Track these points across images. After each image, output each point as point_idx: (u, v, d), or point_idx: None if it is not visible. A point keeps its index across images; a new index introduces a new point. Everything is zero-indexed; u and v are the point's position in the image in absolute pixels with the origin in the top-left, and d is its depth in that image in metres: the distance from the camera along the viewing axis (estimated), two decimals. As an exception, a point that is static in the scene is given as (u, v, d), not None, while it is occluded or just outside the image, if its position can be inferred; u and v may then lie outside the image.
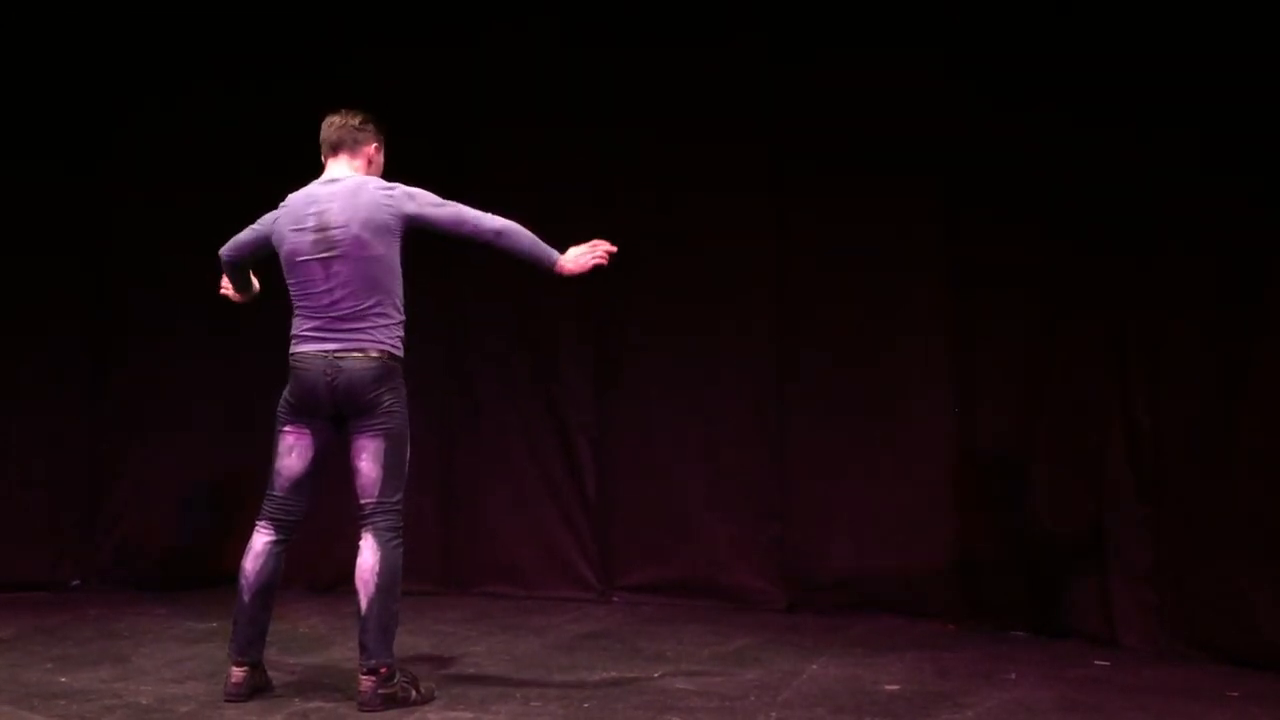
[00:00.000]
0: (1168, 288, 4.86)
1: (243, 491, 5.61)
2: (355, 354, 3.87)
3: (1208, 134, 4.70)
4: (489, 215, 3.96)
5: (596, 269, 4.04)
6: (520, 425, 6.08)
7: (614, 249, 4.03)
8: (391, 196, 3.90)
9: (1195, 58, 4.73)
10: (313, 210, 3.92)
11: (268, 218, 4.06)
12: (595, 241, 4.03)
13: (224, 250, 4.22)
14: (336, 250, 3.87)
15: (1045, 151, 5.11)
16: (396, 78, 5.86)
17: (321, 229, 3.88)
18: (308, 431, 3.97)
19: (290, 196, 4.02)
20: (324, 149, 4.06)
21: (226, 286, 4.36)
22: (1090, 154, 5.00)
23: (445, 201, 3.95)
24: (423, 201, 3.93)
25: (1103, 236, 5.00)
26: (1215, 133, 4.68)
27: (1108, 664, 4.68)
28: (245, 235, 4.15)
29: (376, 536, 3.86)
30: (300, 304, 3.97)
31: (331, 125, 4.04)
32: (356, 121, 4.04)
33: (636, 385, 5.95)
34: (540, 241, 3.98)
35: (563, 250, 4.01)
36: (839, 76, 5.56)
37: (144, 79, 6.13)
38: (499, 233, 3.94)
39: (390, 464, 3.89)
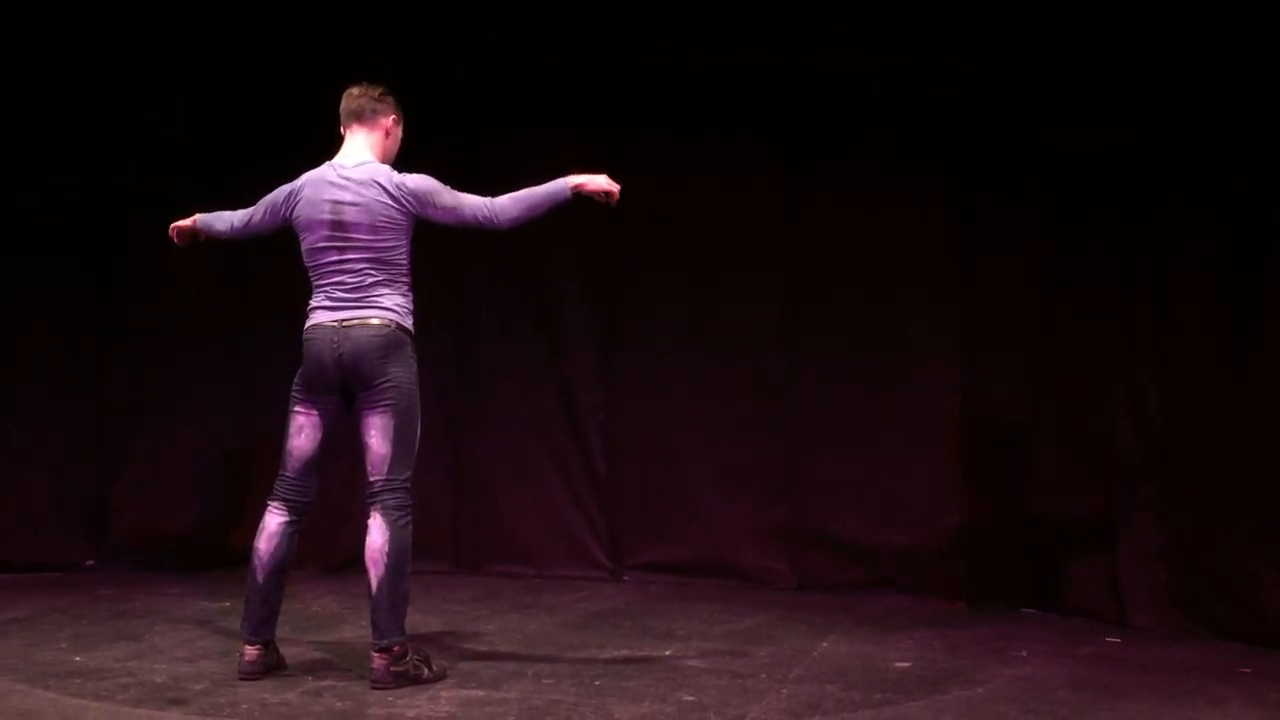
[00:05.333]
0: (1175, 266, 4.85)
1: (254, 471, 5.63)
2: (360, 321, 3.89)
3: (1215, 110, 4.69)
4: (487, 205, 3.93)
5: (606, 207, 4.07)
6: (528, 406, 6.08)
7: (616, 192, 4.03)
8: (398, 201, 3.91)
9: (1204, 35, 4.71)
10: (328, 198, 3.93)
11: (280, 198, 4.04)
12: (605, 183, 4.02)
13: (223, 227, 4.21)
14: (350, 241, 3.91)
15: (1051, 129, 5.10)
16: (409, 86, 5.85)
17: (337, 219, 3.91)
18: (318, 411, 3.98)
19: (306, 178, 4.01)
20: (342, 119, 4.07)
21: (181, 231, 4.36)
22: (1098, 131, 4.98)
23: (450, 203, 3.93)
24: (425, 203, 3.92)
25: (1109, 215, 5.00)
26: (1223, 109, 4.67)
27: (1118, 642, 4.69)
28: (255, 216, 4.12)
29: (385, 515, 3.87)
30: (316, 282, 4.00)
31: (351, 96, 4.06)
32: (376, 93, 4.05)
33: (644, 366, 5.95)
34: (541, 191, 3.96)
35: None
36: (844, 59, 5.54)
37: (156, 73, 6.09)
38: (512, 222, 3.95)
39: (399, 441, 3.89)
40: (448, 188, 3.97)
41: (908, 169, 5.45)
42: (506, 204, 3.95)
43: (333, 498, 5.17)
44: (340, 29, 6.02)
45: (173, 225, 4.38)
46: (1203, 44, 4.72)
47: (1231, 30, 4.65)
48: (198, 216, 4.33)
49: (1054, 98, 5.09)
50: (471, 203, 3.95)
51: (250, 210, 4.16)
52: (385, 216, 3.91)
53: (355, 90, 4.06)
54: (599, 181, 3.99)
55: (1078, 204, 5.08)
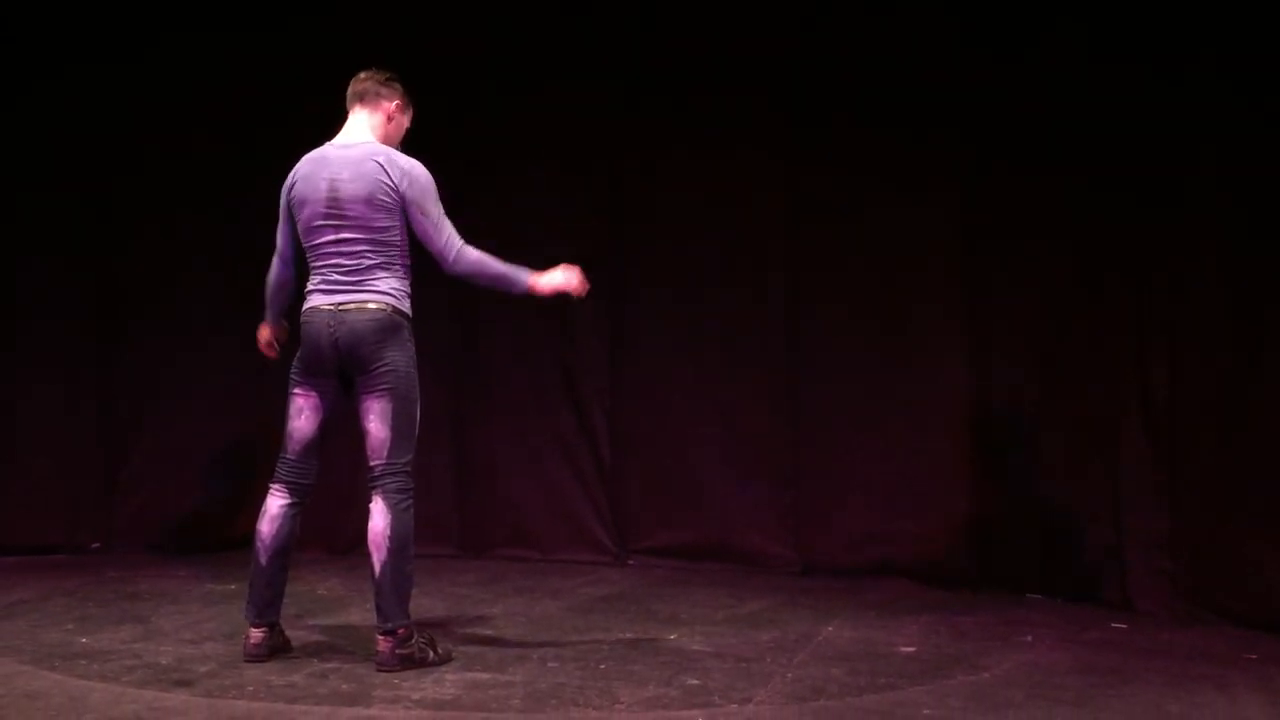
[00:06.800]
0: (1186, 252, 4.83)
1: (260, 454, 5.63)
2: (357, 306, 3.88)
3: (1231, 97, 4.66)
4: (453, 256, 3.89)
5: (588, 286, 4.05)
6: (534, 390, 6.07)
7: (584, 290, 4.02)
8: (393, 180, 3.88)
9: (1223, 21, 4.67)
10: (325, 175, 3.92)
11: (284, 197, 4.01)
12: (575, 273, 4.01)
13: (273, 274, 4.10)
14: (346, 219, 3.90)
15: (1063, 111, 5.07)
16: (404, 42, 5.86)
17: (333, 196, 3.90)
18: (317, 393, 3.98)
19: (303, 160, 4.01)
20: (347, 101, 4.07)
21: (266, 340, 4.27)
22: (1111, 116, 4.96)
23: (433, 215, 3.88)
24: (412, 197, 3.88)
25: (1122, 200, 4.97)
26: (1241, 89, 4.64)
27: (1124, 627, 4.68)
28: (282, 241, 4.05)
29: (386, 499, 3.87)
30: (313, 264, 3.99)
31: (358, 79, 4.07)
32: (382, 77, 4.06)
33: (650, 350, 5.94)
34: (505, 271, 3.94)
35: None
36: (851, 31, 5.52)
37: (150, 31, 6.05)
38: (463, 276, 3.94)
39: (398, 425, 3.89)
40: (439, 203, 3.92)
41: (916, 150, 5.42)
42: (471, 260, 3.91)
43: (337, 481, 5.17)
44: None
45: (262, 344, 4.28)
46: (1219, 32, 4.69)
47: (1248, 16, 4.61)
48: (265, 322, 4.21)
49: (1067, 79, 5.06)
50: (447, 232, 3.91)
51: (277, 243, 4.07)
52: (381, 195, 3.88)
53: (363, 74, 4.08)
54: (556, 280, 3.98)
55: (1089, 188, 5.05)
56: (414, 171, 3.93)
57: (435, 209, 3.92)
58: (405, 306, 3.96)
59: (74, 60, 6.00)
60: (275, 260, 4.10)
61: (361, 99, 4.03)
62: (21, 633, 4.35)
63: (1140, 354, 4.95)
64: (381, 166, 3.90)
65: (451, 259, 3.92)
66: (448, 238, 3.92)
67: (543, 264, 5.92)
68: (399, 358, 3.89)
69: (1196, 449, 4.80)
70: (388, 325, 3.89)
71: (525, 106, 5.95)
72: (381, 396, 3.88)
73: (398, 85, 4.08)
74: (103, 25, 6.02)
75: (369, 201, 3.88)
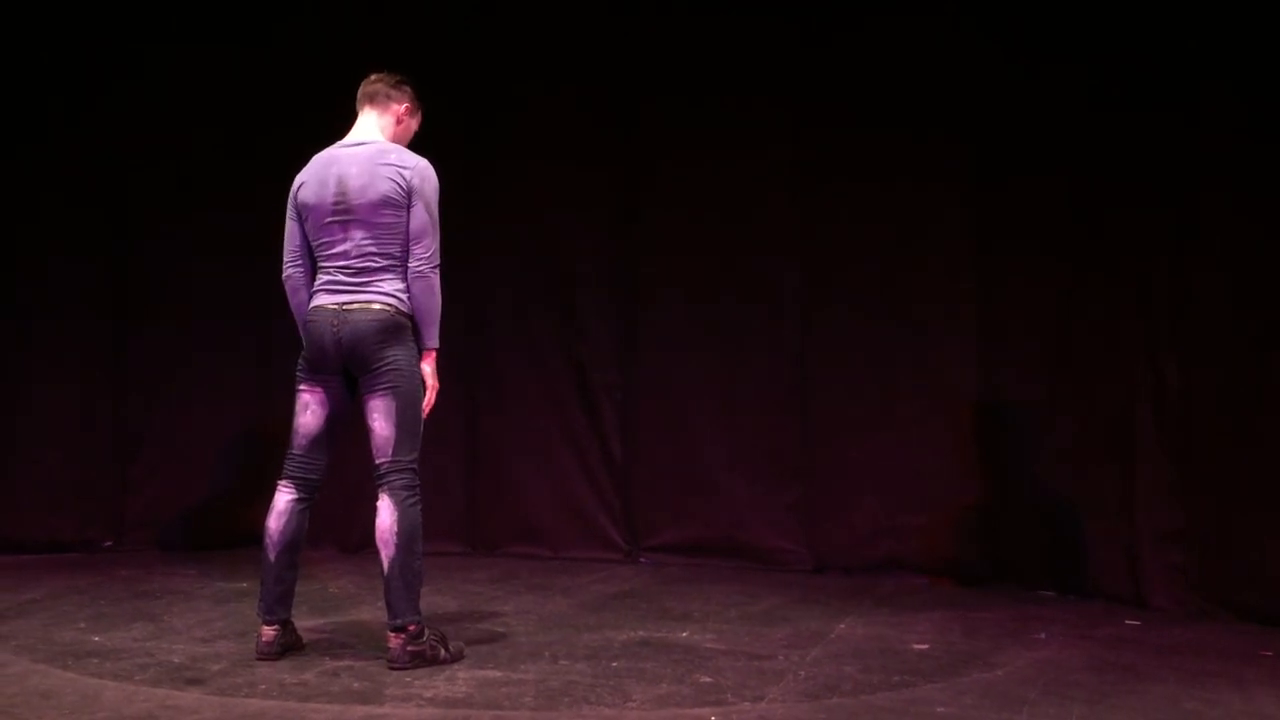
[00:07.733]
0: (1197, 244, 4.81)
1: (271, 451, 5.63)
2: (361, 306, 3.88)
3: (1241, 83, 4.65)
4: (429, 264, 3.89)
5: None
6: (544, 386, 6.07)
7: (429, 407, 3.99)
8: (404, 181, 3.88)
9: (1233, 16, 4.66)
10: (334, 171, 3.93)
11: (292, 196, 4.00)
12: (433, 393, 3.98)
13: (287, 268, 4.03)
14: (353, 215, 3.90)
15: (1072, 104, 5.06)
16: (420, 35, 5.85)
17: (341, 192, 3.90)
18: (323, 389, 3.99)
19: (311, 160, 4.02)
20: (357, 102, 4.07)
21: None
22: (1119, 106, 4.94)
23: (431, 219, 3.89)
24: (417, 193, 3.88)
25: (1132, 190, 4.96)
26: (1249, 83, 4.62)
27: (1137, 624, 4.66)
28: (292, 236, 4.02)
29: (393, 496, 3.87)
30: (321, 264, 3.99)
31: (368, 81, 4.08)
32: (394, 80, 4.07)
33: (660, 345, 5.94)
34: (434, 322, 3.93)
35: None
36: (864, 30, 5.51)
37: (161, 18, 6.07)
38: (424, 289, 3.90)
39: (403, 423, 3.89)
40: (436, 212, 3.92)
41: (927, 145, 5.41)
42: (435, 284, 3.90)
43: (349, 478, 5.17)
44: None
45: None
46: (1233, 25, 4.67)
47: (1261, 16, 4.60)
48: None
49: (1078, 74, 5.04)
50: (437, 241, 3.91)
51: (286, 247, 4.03)
52: (390, 191, 3.88)
53: (374, 76, 4.09)
54: (428, 376, 3.96)
55: (1099, 182, 5.03)
56: (425, 170, 3.94)
57: (435, 210, 3.93)
58: (407, 307, 3.95)
59: (89, 68, 6.04)
60: (287, 265, 4.04)
61: (372, 100, 4.04)
62: (34, 631, 4.36)
63: (1150, 347, 4.93)
64: (392, 163, 3.91)
65: (427, 267, 3.91)
66: (436, 248, 3.93)
67: (548, 262, 6.05)
68: (402, 356, 3.89)
69: (1209, 443, 4.78)
70: (391, 325, 3.89)
71: (533, 106, 5.95)
72: (385, 395, 3.88)
73: (408, 88, 4.08)
74: (115, 34, 6.06)
75: (378, 196, 3.88)
